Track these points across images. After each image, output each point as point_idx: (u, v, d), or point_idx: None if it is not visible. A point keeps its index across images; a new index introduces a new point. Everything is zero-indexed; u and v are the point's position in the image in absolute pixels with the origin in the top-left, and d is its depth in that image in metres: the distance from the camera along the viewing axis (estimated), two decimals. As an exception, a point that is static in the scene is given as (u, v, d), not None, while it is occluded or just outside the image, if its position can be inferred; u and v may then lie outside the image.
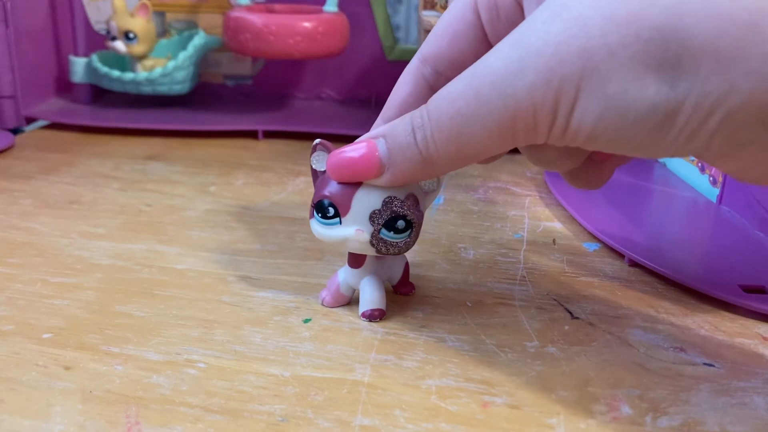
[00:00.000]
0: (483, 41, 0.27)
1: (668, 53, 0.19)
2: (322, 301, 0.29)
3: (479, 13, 0.26)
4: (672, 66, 0.19)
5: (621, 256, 0.35)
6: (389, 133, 0.25)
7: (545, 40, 0.21)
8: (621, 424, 0.22)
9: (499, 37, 0.25)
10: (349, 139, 0.27)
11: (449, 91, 0.23)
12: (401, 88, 0.29)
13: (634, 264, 0.34)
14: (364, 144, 0.25)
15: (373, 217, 0.26)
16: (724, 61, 0.19)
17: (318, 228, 0.27)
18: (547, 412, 0.23)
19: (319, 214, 0.27)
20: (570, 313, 0.29)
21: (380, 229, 0.26)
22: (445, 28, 0.27)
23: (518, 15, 0.26)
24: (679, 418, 0.23)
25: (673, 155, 0.22)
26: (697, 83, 0.19)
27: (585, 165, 0.28)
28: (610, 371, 0.25)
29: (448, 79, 0.26)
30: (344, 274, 0.29)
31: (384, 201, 0.26)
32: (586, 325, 0.28)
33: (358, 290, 0.29)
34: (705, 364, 0.26)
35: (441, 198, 0.43)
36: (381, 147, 0.25)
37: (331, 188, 0.26)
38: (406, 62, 0.67)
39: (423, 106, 0.24)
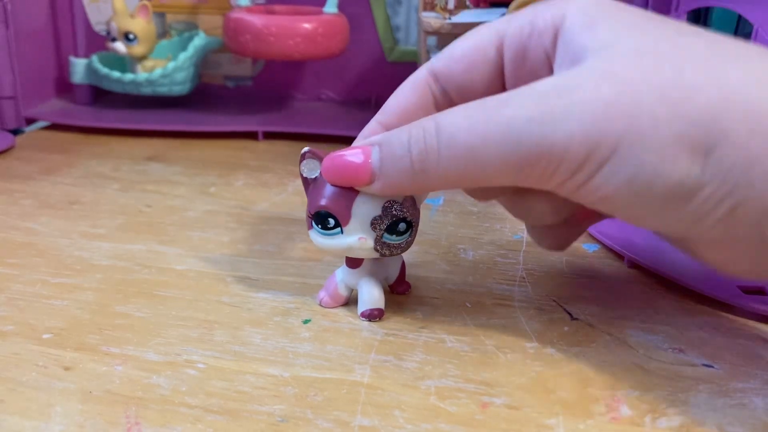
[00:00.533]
0: (497, 79, 0.27)
1: (706, 139, 0.21)
2: (320, 302, 0.29)
3: (503, 52, 0.26)
4: (706, 152, 0.21)
5: (620, 257, 0.35)
6: (385, 142, 0.25)
7: (595, 97, 0.22)
8: (620, 424, 0.22)
9: (517, 82, 0.26)
10: (349, 140, 0.28)
11: (472, 112, 0.23)
12: (404, 96, 0.28)
13: (633, 265, 0.34)
14: (359, 150, 0.25)
15: (374, 224, 0.26)
16: (750, 159, 0.21)
17: (319, 239, 0.27)
18: (546, 412, 0.23)
19: (319, 225, 0.27)
20: (569, 314, 0.29)
21: (383, 234, 0.26)
22: (462, 54, 0.27)
23: (545, 69, 0.25)
24: (678, 419, 0.23)
25: (673, 231, 0.23)
26: (722, 172, 0.21)
27: (563, 225, 0.29)
28: (610, 372, 0.25)
29: (453, 102, 0.26)
30: (342, 274, 0.29)
31: (383, 206, 0.26)
32: (585, 326, 0.28)
33: (356, 290, 0.29)
34: (704, 365, 0.26)
35: (440, 199, 0.43)
36: (374, 155, 0.25)
37: (329, 198, 0.26)
38: (406, 63, 0.67)
39: (428, 120, 0.24)
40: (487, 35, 0.26)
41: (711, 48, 0.22)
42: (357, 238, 0.26)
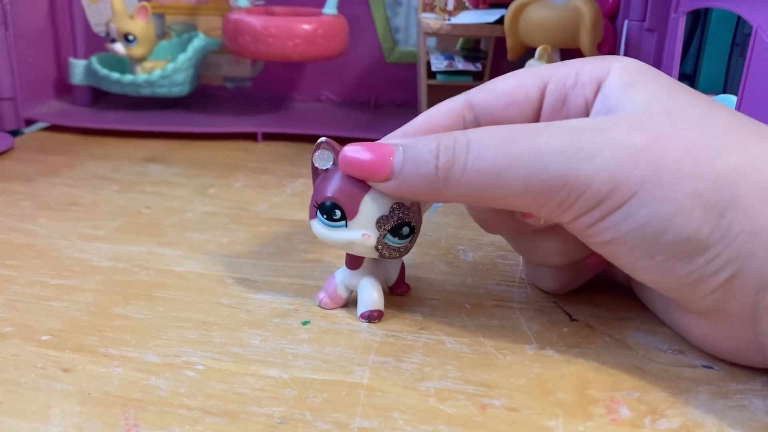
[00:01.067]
0: (533, 120, 0.27)
1: (722, 200, 0.22)
2: (320, 303, 0.29)
3: (545, 96, 0.27)
4: (719, 212, 0.22)
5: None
6: (410, 145, 0.25)
7: (625, 141, 0.23)
8: (620, 426, 0.22)
9: None
10: (348, 142, 0.27)
11: (504, 134, 0.24)
12: (436, 117, 0.29)
13: (633, 266, 0.34)
14: (383, 145, 0.25)
15: (380, 223, 0.26)
16: (757, 227, 0.22)
17: (321, 229, 0.27)
18: (545, 414, 0.23)
19: (324, 216, 0.27)
20: (569, 315, 0.29)
21: (386, 234, 0.26)
22: (505, 90, 0.28)
23: (581, 117, 0.26)
24: (678, 420, 0.23)
25: (669, 291, 0.24)
26: (729, 236, 0.22)
27: (568, 267, 0.29)
28: (609, 373, 0.25)
29: None
30: (342, 276, 0.29)
31: (392, 207, 0.26)
32: (585, 327, 0.28)
33: (356, 291, 0.29)
34: (704, 366, 0.26)
35: (440, 200, 0.43)
36: (398, 154, 0.25)
37: (339, 190, 0.26)
38: (406, 65, 0.67)
39: (459, 132, 0.24)
40: (531, 77, 0.28)
41: (736, 122, 0.24)
42: (361, 233, 0.26)
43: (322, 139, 0.27)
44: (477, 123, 0.28)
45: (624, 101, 0.24)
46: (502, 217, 0.28)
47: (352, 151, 0.26)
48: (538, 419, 0.23)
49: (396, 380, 0.24)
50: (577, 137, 0.23)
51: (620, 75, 0.25)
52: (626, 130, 0.23)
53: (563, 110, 0.27)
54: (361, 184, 0.26)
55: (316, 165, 0.28)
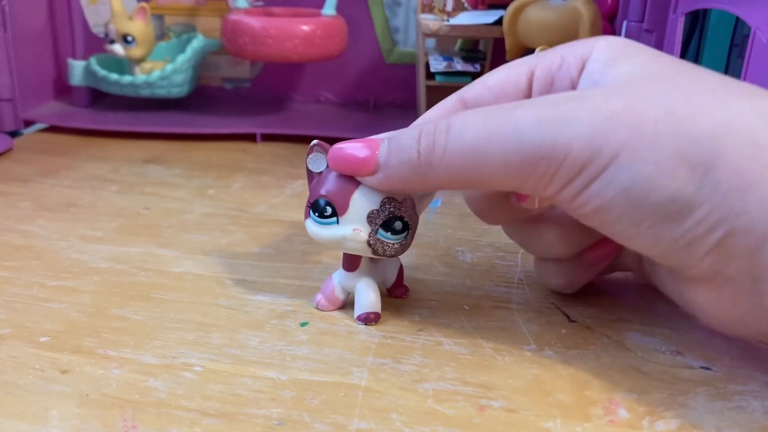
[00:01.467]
0: None
1: (705, 158, 0.21)
2: (317, 305, 0.29)
3: (533, 83, 0.27)
4: (704, 170, 0.21)
5: (618, 259, 0.35)
6: (394, 137, 0.25)
7: (603, 106, 0.22)
8: (618, 427, 0.22)
9: None
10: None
11: (483, 112, 0.24)
12: (432, 119, 0.28)
13: (631, 267, 0.34)
14: (369, 142, 0.26)
15: (371, 217, 0.26)
16: (747, 183, 0.21)
17: (314, 228, 0.27)
18: (544, 415, 0.23)
19: (316, 213, 0.27)
20: (567, 316, 0.29)
21: (378, 229, 0.26)
22: (495, 83, 0.28)
23: None
24: (676, 421, 0.23)
25: (665, 258, 0.24)
26: (718, 194, 0.21)
27: (574, 261, 0.29)
28: (608, 375, 0.25)
29: None
30: (339, 277, 0.29)
31: (382, 201, 0.26)
32: (583, 328, 0.28)
33: (353, 294, 0.29)
34: (702, 367, 0.26)
35: (439, 201, 0.43)
36: (383, 147, 0.25)
37: (329, 187, 0.26)
38: (405, 65, 0.67)
39: (442, 119, 0.25)
40: (519, 67, 0.28)
41: (722, 83, 0.23)
42: (351, 228, 0.26)
43: (315, 141, 0.27)
44: None
45: (607, 75, 0.24)
46: (499, 205, 0.28)
47: (339, 148, 0.26)
48: (537, 420, 0.23)
49: (394, 382, 0.24)
50: (554, 107, 0.23)
51: (604, 51, 0.25)
52: (605, 97, 0.23)
53: (551, 93, 0.27)
54: (351, 180, 0.26)
55: (310, 168, 0.28)
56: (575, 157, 0.22)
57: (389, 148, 0.25)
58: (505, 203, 0.28)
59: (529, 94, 0.27)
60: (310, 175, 0.28)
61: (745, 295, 0.23)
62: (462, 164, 0.24)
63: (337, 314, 0.29)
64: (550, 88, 0.27)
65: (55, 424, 0.22)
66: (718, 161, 0.21)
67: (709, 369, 0.26)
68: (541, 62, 0.27)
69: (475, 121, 0.24)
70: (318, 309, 0.29)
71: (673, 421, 0.23)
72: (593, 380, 0.25)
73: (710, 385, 0.25)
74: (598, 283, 0.32)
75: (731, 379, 0.25)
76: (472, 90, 0.28)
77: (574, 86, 0.26)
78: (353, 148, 0.26)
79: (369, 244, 0.26)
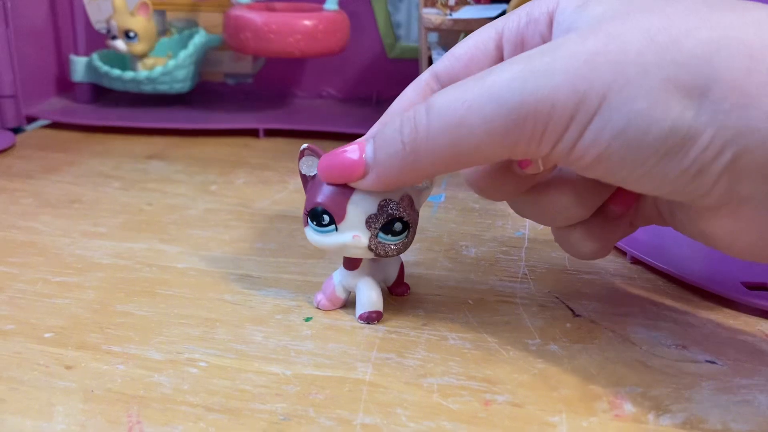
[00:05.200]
0: None
1: (699, 81, 0.20)
2: (317, 304, 0.29)
3: (503, 46, 0.26)
4: (700, 94, 0.20)
5: (623, 253, 0.35)
6: (378, 133, 0.25)
7: (579, 50, 0.21)
8: (623, 421, 0.22)
9: None
10: (350, 138, 0.28)
11: (459, 85, 0.23)
12: (407, 99, 0.28)
13: (636, 261, 0.34)
14: (355, 146, 0.25)
15: (369, 222, 0.26)
16: (748, 99, 0.20)
17: (314, 236, 0.27)
18: (549, 410, 0.23)
19: (314, 222, 0.27)
20: (572, 310, 0.29)
21: (377, 233, 0.26)
22: (464, 52, 0.27)
23: None
24: (682, 415, 0.23)
25: (676, 194, 0.22)
26: (719, 115, 0.20)
27: (598, 220, 0.27)
28: (612, 369, 0.25)
29: None
30: (340, 276, 0.29)
31: (379, 204, 0.26)
32: (588, 322, 0.28)
33: (354, 292, 0.29)
34: (707, 361, 0.26)
35: (442, 196, 0.43)
36: (368, 148, 0.25)
37: (324, 195, 0.26)
38: (407, 60, 0.67)
39: (421, 102, 0.24)
40: (486, 32, 0.27)
41: (705, 1, 0.22)
42: (351, 235, 0.26)
43: (305, 146, 0.27)
44: None
45: (578, 20, 0.23)
46: (502, 178, 0.27)
47: (326, 160, 0.26)
48: (542, 415, 0.22)
49: (399, 376, 0.24)
50: (527, 62, 0.22)
51: (570, 0, 0.24)
52: (580, 40, 0.21)
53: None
54: (345, 186, 0.26)
55: (303, 172, 0.27)
56: (561, 109, 0.21)
57: (375, 146, 0.25)
58: (507, 175, 0.27)
59: (500, 58, 0.26)
60: (304, 179, 0.28)
61: (763, 213, 0.21)
62: (448, 142, 0.23)
63: (341, 310, 0.29)
64: (521, 49, 0.25)
65: (60, 419, 0.22)
66: (712, 82, 0.20)
67: (714, 363, 0.26)
68: (508, 23, 0.26)
69: (451, 96, 0.23)
70: (318, 308, 0.29)
71: (678, 415, 0.23)
72: (598, 374, 0.25)
73: (716, 379, 0.25)
74: (603, 277, 0.32)
75: (736, 372, 0.25)
76: (442, 63, 0.27)
77: (545, 42, 0.25)
78: (339, 157, 0.25)
79: (370, 248, 0.26)
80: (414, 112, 0.23)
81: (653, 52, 0.20)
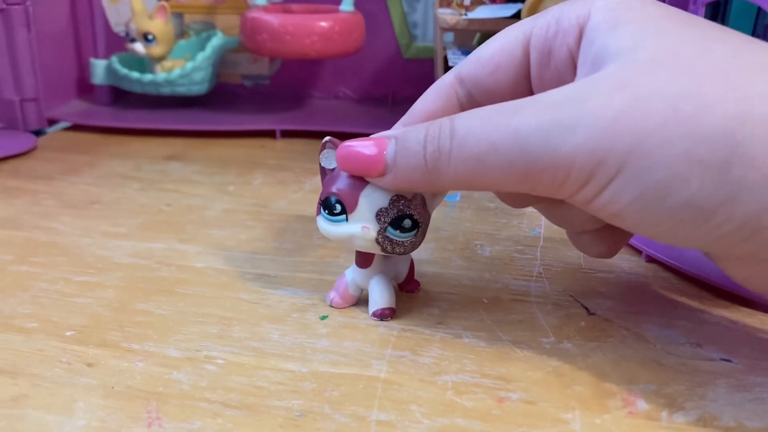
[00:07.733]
0: (524, 80, 0.26)
1: (720, 156, 0.20)
2: (330, 302, 0.29)
3: (529, 53, 0.26)
4: (721, 169, 0.20)
5: (638, 252, 0.35)
6: (401, 137, 0.25)
7: (605, 108, 0.21)
8: (637, 419, 0.22)
9: (543, 83, 0.26)
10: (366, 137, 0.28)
11: (486, 116, 0.23)
12: (430, 100, 0.28)
13: (651, 260, 0.34)
14: (376, 141, 0.25)
15: (379, 215, 0.26)
16: None
17: (324, 224, 0.27)
18: (562, 407, 0.23)
19: (326, 211, 0.27)
20: (586, 309, 0.29)
21: (386, 227, 0.26)
22: (490, 57, 0.27)
23: (569, 70, 0.25)
24: (696, 413, 0.23)
25: (699, 248, 0.23)
26: (741, 191, 0.20)
27: (609, 226, 0.28)
28: (626, 367, 0.25)
29: (480, 104, 0.26)
30: (352, 274, 0.29)
31: (391, 199, 0.26)
32: (602, 321, 0.28)
33: (367, 290, 0.29)
34: (722, 359, 0.26)
35: (457, 195, 0.43)
36: (390, 148, 0.25)
37: (339, 185, 0.26)
38: (423, 60, 0.67)
39: (446, 119, 0.24)
40: (513, 36, 0.26)
41: (736, 57, 0.21)
42: (360, 226, 0.26)
43: (327, 138, 0.27)
44: (470, 96, 0.27)
45: (608, 49, 0.22)
46: (519, 193, 0.27)
47: (347, 148, 0.26)
48: (555, 412, 0.23)
49: (413, 374, 0.25)
50: (554, 112, 0.22)
51: (602, 16, 0.23)
52: (607, 95, 0.21)
53: (550, 65, 0.25)
54: (361, 177, 0.26)
55: (323, 164, 0.28)
56: (581, 168, 0.21)
57: (396, 150, 0.25)
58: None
59: (527, 67, 0.26)
60: (323, 171, 0.28)
61: None
62: (468, 172, 0.23)
63: (356, 308, 0.29)
64: (549, 60, 0.25)
65: (81, 415, 0.22)
66: (735, 158, 0.20)
67: (729, 361, 0.26)
68: (536, 29, 0.25)
69: (477, 129, 0.23)
70: (331, 306, 0.29)
71: (692, 413, 0.23)
72: (612, 372, 0.25)
73: (730, 377, 0.25)
74: (617, 275, 0.32)
75: (751, 370, 0.25)
76: (468, 66, 0.27)
77: (573, 57, 0.24)
78: (361, 147, 0.25)
79: (378, 242, 0.26)
80: (439, 131, 0.24)
81: (676, 124, 0.20)
